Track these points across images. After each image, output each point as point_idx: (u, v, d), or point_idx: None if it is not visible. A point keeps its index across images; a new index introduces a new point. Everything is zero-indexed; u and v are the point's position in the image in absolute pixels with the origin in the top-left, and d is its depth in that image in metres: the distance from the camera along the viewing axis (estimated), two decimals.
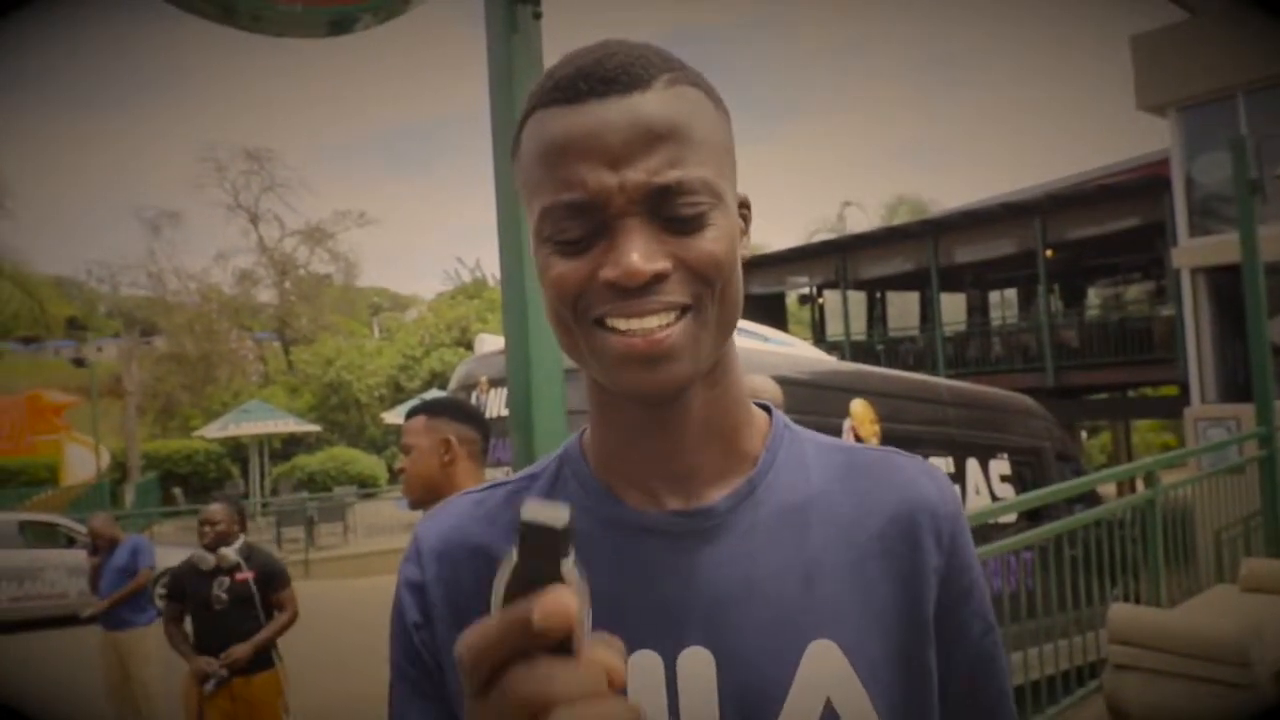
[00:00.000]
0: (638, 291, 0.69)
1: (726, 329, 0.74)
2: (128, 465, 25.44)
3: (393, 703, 0.82)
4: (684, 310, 0.71)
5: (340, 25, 2.36)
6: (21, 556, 12.25)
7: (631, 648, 0.72)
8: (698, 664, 0.72)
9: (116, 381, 28.38)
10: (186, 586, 4.63)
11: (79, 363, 22.45)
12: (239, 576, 4.57)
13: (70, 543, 13.02)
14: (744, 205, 0.78)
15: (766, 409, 0.84)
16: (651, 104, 0.70)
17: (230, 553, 4.58)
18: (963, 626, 0.79)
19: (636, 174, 0.69)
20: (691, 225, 0.70)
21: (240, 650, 4.45)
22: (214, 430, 24.47)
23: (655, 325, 0.69)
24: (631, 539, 0.76)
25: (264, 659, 4.55)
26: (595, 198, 0.69)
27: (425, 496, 2.55)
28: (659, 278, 0.69)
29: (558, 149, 0.70)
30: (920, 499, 0.79)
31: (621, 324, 0.70)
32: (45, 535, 13.16)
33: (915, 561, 0.77)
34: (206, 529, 4.63)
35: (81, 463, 21.37)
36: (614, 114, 0.69)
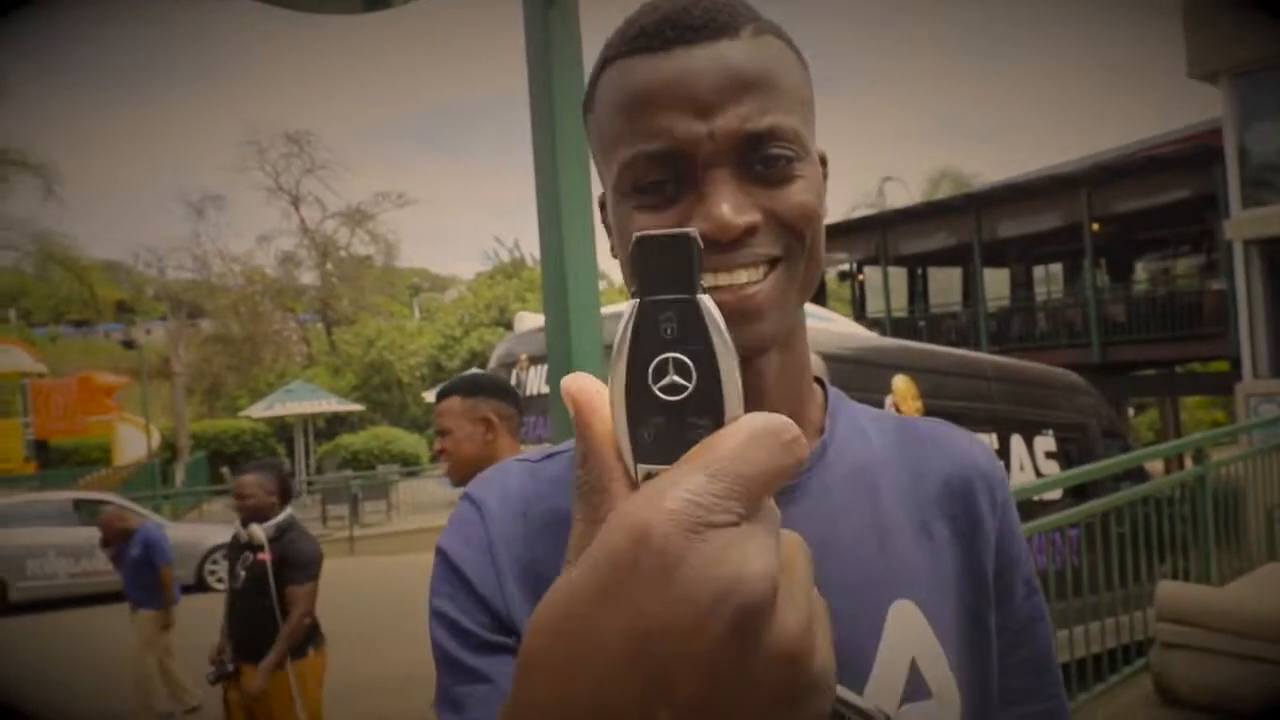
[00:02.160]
0: (728, 245, 0.67)
1: (810, 285, 0.73)
2: (177, 445, 25.95)
3: (443, 685, 0.74)
4: (773, 264, 0.70)
5: (376, 1, 2.36)
6: (78, 534, 12.56)
7: None
8: None
9: (165, 363, 28.93)
10: (228, 559, 4.40)
11: (129, 345, 22.88)
12: (260, 556, 4.22)
13: None
14: (823, 161, 0.76)
15: (820, 381, 0.84)
16: (740, 51, 0.68)
17: (258, 529, 4.22)
18: (1010, 589, 0.79)
19: (727, 121, 0.67)
20: (781, 175, 0.69)
21: (251, 682, 4.12)
22: (260, 410, 24.86)
23: (745, 280, 0.68)
24: None
25: (269, 650, 4.16)
26: (684, 146, 0.67)
27: (468, 475, 2.55)
28: (749, 230, 0.68)
29: (644, 98, 0.68)
30: (973, 464, 0.80)
31: (709, 279, 0.67)
32: (99, 513, 13.49)
33: (973, 524, 0.78)
34: (239, 502, 4.32)
35: (133, 443, 21.81)
36: (702, 61, 0.67)
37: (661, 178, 0.68)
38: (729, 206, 0.66)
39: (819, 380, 0.84)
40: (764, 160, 0.68)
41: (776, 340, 0.72)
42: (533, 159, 2.29)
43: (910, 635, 0.72)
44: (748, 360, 0.72)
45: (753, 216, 0.67)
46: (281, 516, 4.30)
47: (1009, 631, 0.79)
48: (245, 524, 4.27)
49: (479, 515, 0.75)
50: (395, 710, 6.51)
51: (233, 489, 4.41)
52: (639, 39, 0.69)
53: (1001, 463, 0.85)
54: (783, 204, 0.69)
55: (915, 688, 0.70)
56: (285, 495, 4.39)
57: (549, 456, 0.81)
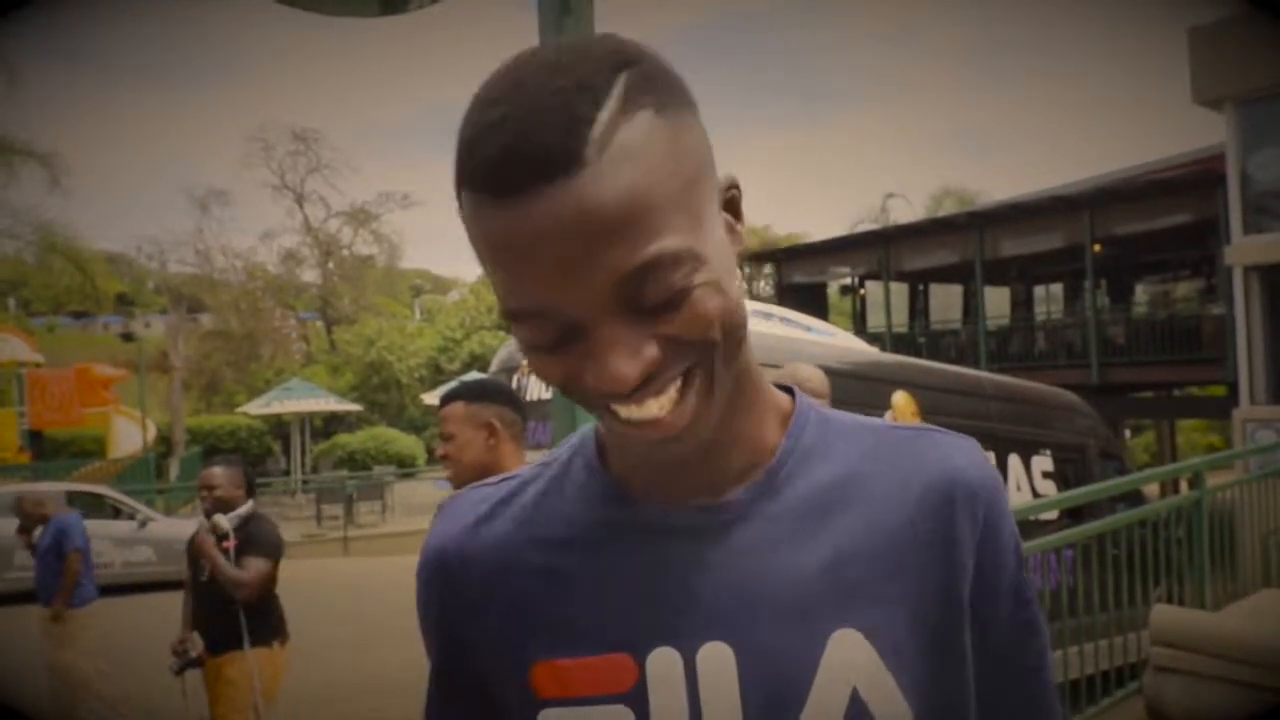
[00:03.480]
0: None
1: (735, 357, 0.67)
2: (173, 439, 25.92)
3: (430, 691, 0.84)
4: (687, 373, 0.64)
5: (393, 4, 2.36)
6: None
7: (650, 645, 0.71)
8: (717, 659, 0.70)
9: (163, 357, 28.88)
10: (190, 554, 4.38)
11: (128, 337, 22.89)
12: (225, 544, 4.23)
13: (116, 514, 13.30)
14: (731, 187, 0.69)
15: (790, 393, 0.80)
16: (592, 183, 0.58)
17: (223, 519, 4.22)
18: (997, 603, 0.76)
19: (593, 276, 0.59)
20: (672, 300, 0.61)
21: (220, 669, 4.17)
22: (257, 407, 24.83)
23: (657, 410, 0.64)
24: (646, 535, 0.73)
25: (232, 639, 4.17)
26: (553, 308, 0.61)
27: (471, 479, 2.56)
28: (648, 373, 0.62)
29: (497, 257, 0.61)
30: (954, 475, 0.75)
31: (623, 413, 0.64)
32: (92, 506, 13.44)
33: (949, 540, 0.74)
34: (204, 493, 4.32)
35: (128, 436, 21.79)
36: (552, 211, 0.58)
37: (542, 339, 0.63)
38: (618, 360, 0.61)
39: (791, 392, 0.80)
40: (649, 296, 0.61)
41: (710, 432, 0.68)
42: None
43: (850, 664, 0.70)
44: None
45: (649, 356, 0.62)
46: (244, 508, 4.36)
47: (998, 647, 0.76)
48: (209, 515, 4.31)
49: (423, 557, 0.81)
50: (389, 711, 6.49)
51: (199, 480, 4.45)
52: (483, 176, 0.60)
53: (995, 471, 0.79)
54: (681, 326, 0.62)
55: (857, 717, 0.69)
56: (250, 489, 4.48)
57: (507, 479, 0.81)
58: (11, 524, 6.20)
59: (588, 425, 0.82)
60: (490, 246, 0.61)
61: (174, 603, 6.62)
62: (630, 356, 0.61)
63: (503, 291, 0.63)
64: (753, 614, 0.71)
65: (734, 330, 0.65)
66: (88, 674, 5.85)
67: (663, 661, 0.70)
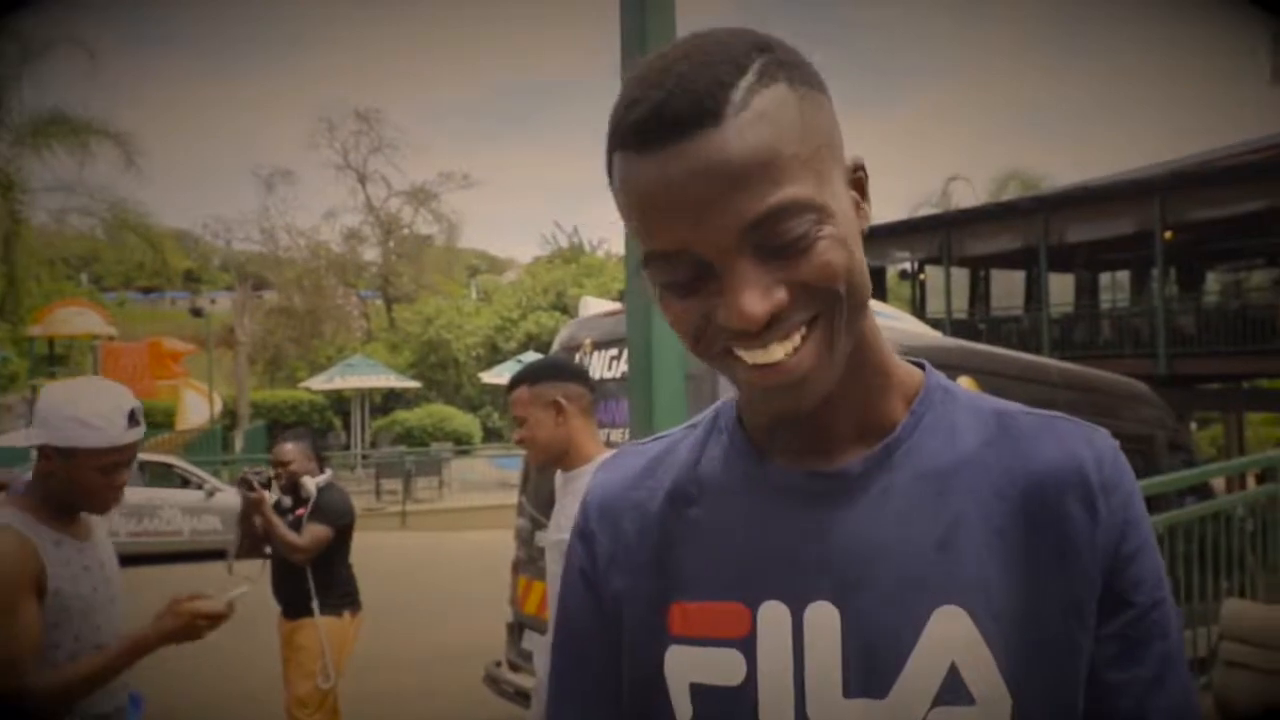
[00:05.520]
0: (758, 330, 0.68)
1: (857, 319, 0.72)
2: (238, 413, 26.54)
3: (555, 655, 0.89)
4: (811, 322, 0.69)
5: None
6: (140, 494, 12.91)
7: (762, 597, 0.76)
8: (823, 618, 0.74)
9: (229, 332, 29.56)
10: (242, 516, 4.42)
11: (197, 313, 23.44)
12: (298, 512, 4.35)
13: (185, 483, 13.71)
14: (858, 169, 0.75)
15: (923, 366, 0.83)
16: (729, 138, 0.65)
17: (309, 480, 4.37)
18: (1118, 600, 0.75)
19: (727, 219, 0.66)
20: (800, 246, 0.67)
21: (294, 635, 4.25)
22: (319, 382, 25.31)
23: (781, 355, 0.69)
24: (770, 495, 0.79)
25: (303, 605, 4.24)
26: (690, 248, 0.67)
27: (550, 458, 2.66)
28: (776, 312, 0.67)
29: (643, 203, 0.68)
30: (1071, 467, 0.75)
31: (749, 357, 0.70)
32: (162, 475, 13.87)
33: (1062, 531, 0.74)
34: (279, 469, 4.43)
35: (196, 408, 22.33)
36: (690, 161, 0.65)
37: (677, 277, 0.69)
38: (749, 298, 0.66)
39: (924, 367, 0.83)
40: (777, 238, 0.67)
41: (825, 394, 0.72)
42: None
43: (952, 640, 0.71)
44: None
45: (777, 297, 0.67)
46: (323, 478, 4.47)
47: (1112, 649, 0.75)
48: (285, 490, 4.41)
49: (584, 507, 0.89)
50: (444, 682, 6.62)
51: (273, 457, 4.54)
52: (630, 135, 0.68)
53: (1124, 467, 0.78)
54: (808, 273, 0.67)
55: (953, 692, 0.70)
56: (320, 460, 4.57)
57: (659, 438, 0.91)
58: None
59: (728, 397, 0.87)
60: (638, 196, 0.68)
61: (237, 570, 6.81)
62: (760, 295, 0.67)
63: (645, 236, 0.70)
64: (861, 580, 0.74)
65: (856, 290, 0.70)
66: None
67: (772, 614, 0.75)
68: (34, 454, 2.11)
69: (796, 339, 0.69)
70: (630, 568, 0.83)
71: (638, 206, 0.69)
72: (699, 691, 0.76)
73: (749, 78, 0.67)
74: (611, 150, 0.71)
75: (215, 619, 2.20)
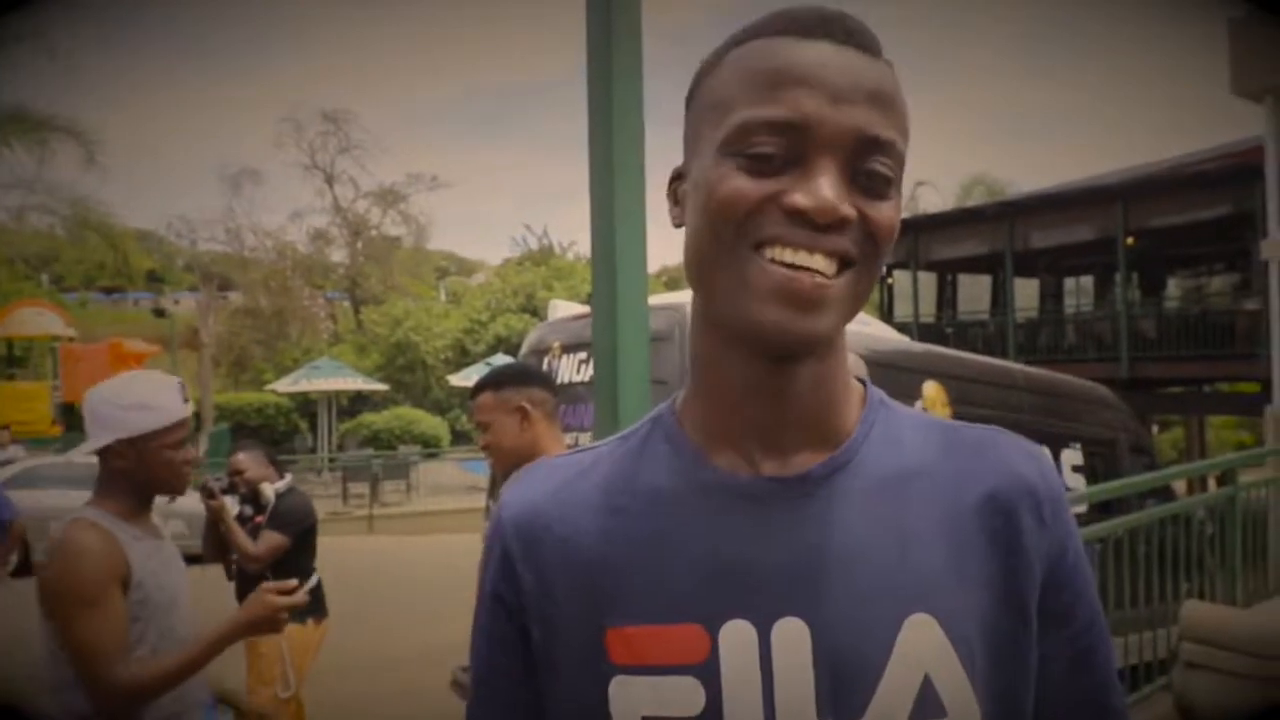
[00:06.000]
0: (818, 228, 0.68)
1: (864, 300, 0.73)
2: (201, 415, 26.19)
3: (474, 664, 0.83)
4: (845, 265, 0.70)
5: None
6: None
7: (724, 616, 0.71)
8: (793, 635, 0.70)
9: (193, 334, 29.20)
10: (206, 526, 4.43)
11: (159, 313, 23.15)
12: (257, 519, 4.33)
13: None
14: None
15: (863, 382, 0.83)
16: (879, 68, 0.72)
17: (268, 487, 4.36)
18: (1064, 613, 0.76)
19: (853, 117, 0.69)
20: (879, 188, 0.71)
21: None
22: (285, 385, 25.06)
23: (821, 266, 0.69)
24: (721, 502, 0.74)
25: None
26: (807, 123, 0.68)
27: (515, 464, 2.61)
28: (843, 222, 0.69)
29: (782, 71, 0.70)
30: (1020, 479, 0.76)
31: (789, 255, 0.69)
32: None
33: (1013, 542, 0.74)
34: (236, 479, 4.42)
35: None
36: (848, 60, 0.70)
37: (771, 149, 0.69)
38: (833, 190, 0.68)
39: (864, 383, 0.82)
40: (869, 171, 0.70)
41: (826, 341, 0.72)
42: (587, 144, 2.29)
43: (925, 650, 0.70)
44: (786, 364, 0.73)
45: (848, 210, 0.69)
46: (283, 482, 4.48)
47: (1064, 659, 0.77)
48: (245, 499, 4.42)
49: (499, 522, 0.81)
50: (412, 687, 6.56)
51: (229, 467, 4.55)
52: (791, 24, 0.72)
53: (1060, 482, 0.80)
54: (875, 214, 0.70)
55: (927, 704, 0.69)
56: (279, 466, 4.59)
57: (583, 451, 0.85)
58: (49, 496, 6.12)
59: (662, 404, 0.83)
60: (779, 66, 0.70)
61: (205, 574, 6.71)
62: (840, 197, 0.69)
63: (763, 103, 0.70)
64: (831, 590, 0.71)
65: (881, 266, 0.73)
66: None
67: (737, 635, 0.71)
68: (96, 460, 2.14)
69: (835, 266, 0.69)
70: (556, 592, 0.76)
71: (775, 75, 0.70)
72: None
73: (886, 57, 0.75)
74: (747, 39, 0.74)
75: (294, 609, 2.23)
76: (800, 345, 0.70)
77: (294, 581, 2.29)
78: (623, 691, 0.72)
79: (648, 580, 0.74)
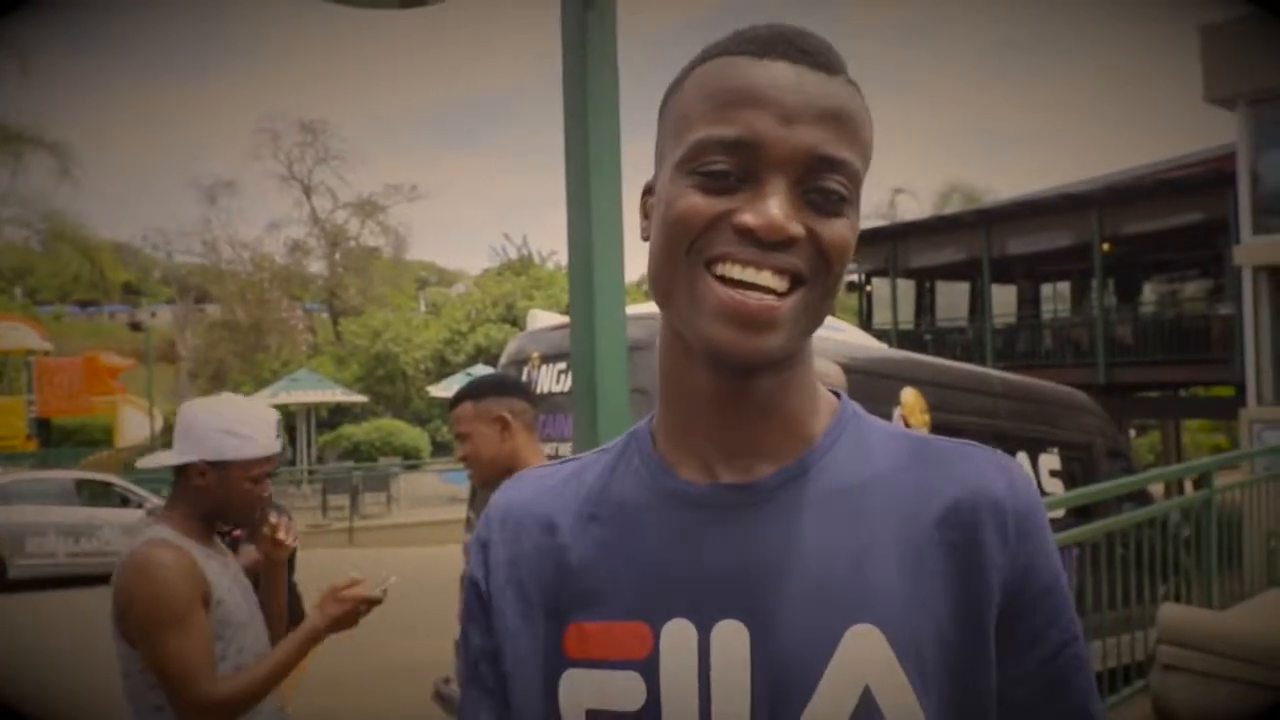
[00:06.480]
0: (766, 246, 0.69)
1: (820, 318, 0.74)
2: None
3: (464, 653, 0.86)
4: (796, 283, 0.71)
5: None
6: (79, 514, 12.60)
7: (667, 615, 0.73)
8: (732, 637, 0.71)
9: (170, 346, 29.01)
10: None
11: (136, 326, 22.96)
12: (235, 533, 4.42)
13: (124, 502, 13.38)
14: None
15: (838, 394, 0.83)
16: (836, 87, 0.73)
17: None
18: (1035, 636, 0.74)
19: (804, 137, 0.70)
20: (832, 206, 0.71)
21: None
22: (263, 397, 24.85)
23: (770, 284, 0.70)
24: (680, 509, 0.76)
25: None
26: (759, 141, 0.70)
27: (495, 475, 2.58)
28: (791, 241, 0.70)
29: (737, 91, 0.71)
30: (985, 492, 0.75)
31: (737, 272, 0.70)
32: (100, 494, 13.53)
33: (974, 558, 0.73)
34: None
35: (135, 425, 21.88)
36: (802, 79, 0.71)
37: (725, 167, 0.70)
38: (783, 210, 0.69)
39: (838, 395, 0.83)
40: (821, 188, 0.71)
41: (778, 359, 0.72)
42: (564, 154, 2.30)
43: (866, 661, 0.69)
44: (744, 377, 0.74)
45: (797, 230, 0.69)
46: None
47: (1035, 681, 0.75)
48: None
49: (487, 518, 0.86)
50: (393, 700, 6.52)
51: None
52: (748, 44, 0.73)
53: (1034, 496, 0.78)
54: (827, 231, 0.71)
55: (867, 715, 0.69)
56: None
57: (565, 461, 0.89)
58: (25, 512, 6.11)
59: (642, 420, 0.86)
60: (737, 85, 0.72)
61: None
62: (789, 217, 0.70)
63: (718, 123, 0.71)
64: (773, 596, 0.72)
65: (838, 283, 0.73)
66: None
67: (677, 633, 0.73)
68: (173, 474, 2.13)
69: (785, 284, 0.70)
70: (526, 584, 0.80)
71: (730, 95, 0.71)
72: (595, 718, 0.73)
73: (847, 74, 0.75)
74: (711, 57, 0.75)
75: (373, 605, 2.24)
76: (751, 363, 0.71)
77: (364, 578, 2.28)
78: (571, 684, 0.75)
79: (606, 581, 0.77)
